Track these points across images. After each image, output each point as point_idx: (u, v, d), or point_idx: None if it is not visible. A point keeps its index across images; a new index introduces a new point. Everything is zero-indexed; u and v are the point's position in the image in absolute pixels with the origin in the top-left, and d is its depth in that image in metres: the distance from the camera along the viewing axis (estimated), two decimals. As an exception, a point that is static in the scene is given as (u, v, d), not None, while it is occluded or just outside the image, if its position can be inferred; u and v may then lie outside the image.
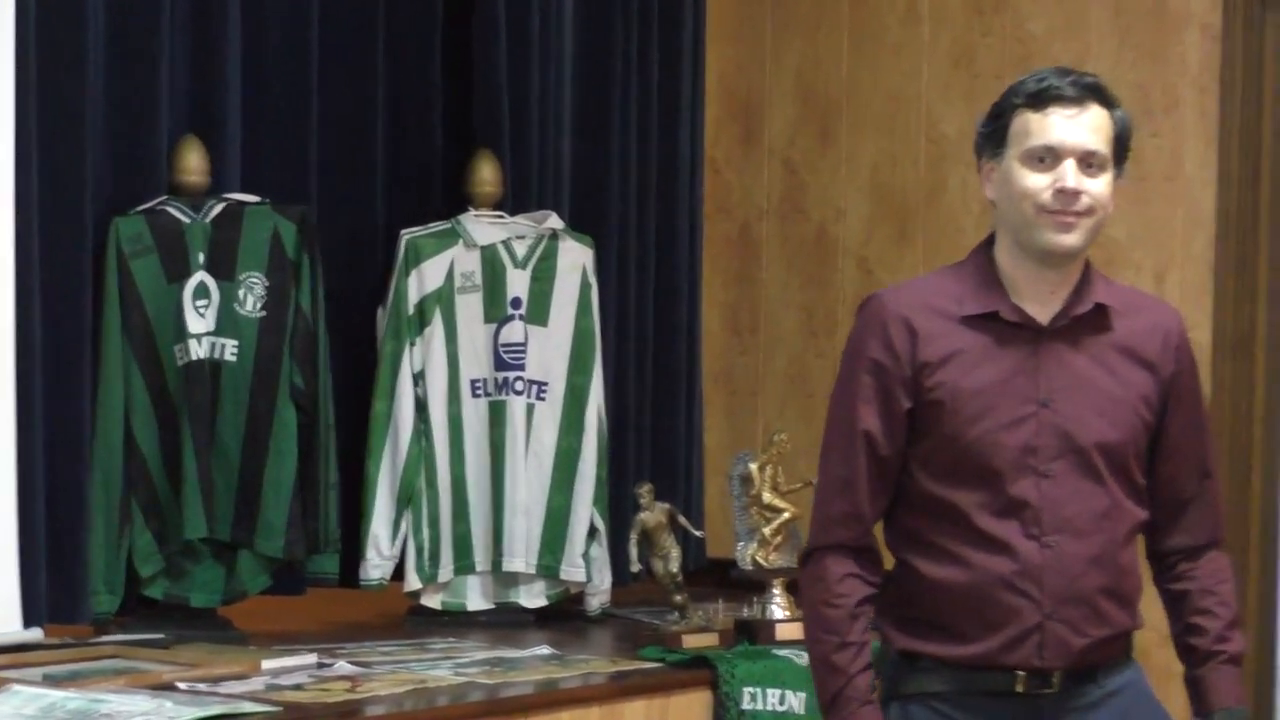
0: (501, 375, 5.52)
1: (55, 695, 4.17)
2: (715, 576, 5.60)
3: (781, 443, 5.35)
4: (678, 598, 5.22)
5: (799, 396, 6.24)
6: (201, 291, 5.02)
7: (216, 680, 4.44)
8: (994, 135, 3.41)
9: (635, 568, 5.32)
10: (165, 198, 5.03)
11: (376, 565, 5.38)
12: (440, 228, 5.50)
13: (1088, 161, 3.34)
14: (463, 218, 5.53)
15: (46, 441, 4.75)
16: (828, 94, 6.24)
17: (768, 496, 5.27)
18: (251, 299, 5.07)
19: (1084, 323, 3.40)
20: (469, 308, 5.49)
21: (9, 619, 4.62)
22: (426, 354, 5.44)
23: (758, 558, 5.25)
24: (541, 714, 4.59)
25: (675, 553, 5.21)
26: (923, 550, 3.38)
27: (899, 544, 3.42)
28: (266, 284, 5.08)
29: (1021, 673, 3.34)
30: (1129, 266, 5.74)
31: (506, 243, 5.53)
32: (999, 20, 5.95)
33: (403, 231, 5.47)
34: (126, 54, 5.04)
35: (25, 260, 4.69)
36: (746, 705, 4.90)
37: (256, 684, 4.45)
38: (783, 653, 5.05)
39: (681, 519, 5.30)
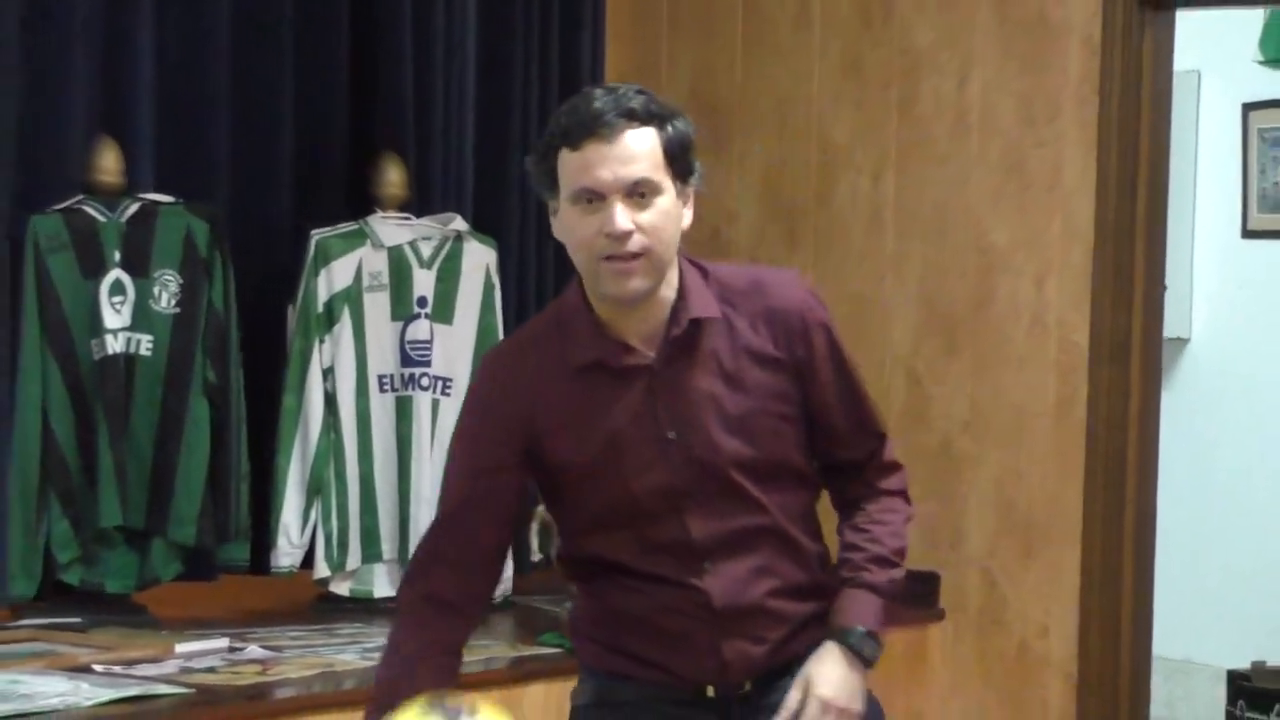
0: (408, 371, 5.54)
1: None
2: (611, 566, 5.64)
3: (676, 438, 5.41)
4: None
5: (691, 393, 6.28)
6: (117, 288, 5.03)
7: (131, 663, 4.45)
8: (545, 177, 3.14)
9: (536, 557, 5.39)
10: (82, 197, 5.03)
11: (287, 553, 5.39)
12: (348, 229, 5.51)
13: (638, 192, 3.08)
14: (370, 219, 5.54)
15: (-37, 434, 4.74)
16: (720, 99, 6.26)
17: (663, 490, 5.33)
18: (166, 296, 5.09)
19: (689, 343, 3.18)
20: (376, 306, 5.51)
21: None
22: (335, 350, 5.46)
23: (653, 548, 5.32)
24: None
25: (574, 543, 5.28)
26: (595, 583, 3.29)
27: (573, 574, 3.33)
28: (180, 281, 5.10)
29: (710, 686, 3.25)
30: (1009, 272, 5.81)
31: (413, 244, 5.55)
32: (886, 31, 5.99)
33: (312, 232, 5.47)
34: (38, 55, 5.03)
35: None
36: (641, 690, 4.98)
37: (170, 667, 4.47)
38: (676, 640, 5.13)
39: (579, 510, 5.36)
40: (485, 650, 4.99)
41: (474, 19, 5.95)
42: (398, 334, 5.55)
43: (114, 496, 5.02)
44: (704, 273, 3.23)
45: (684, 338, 3.17)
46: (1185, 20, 5.88)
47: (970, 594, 5.89)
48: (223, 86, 5.42)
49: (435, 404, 5.57)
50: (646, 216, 3.08)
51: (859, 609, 3.27)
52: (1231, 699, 7.91)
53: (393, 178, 5.62)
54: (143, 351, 5.07)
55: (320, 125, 5.78)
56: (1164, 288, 5.84)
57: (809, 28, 6.14)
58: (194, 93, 5.39)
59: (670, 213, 3.12)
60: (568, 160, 3.09)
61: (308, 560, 5.45)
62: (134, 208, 5.10)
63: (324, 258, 5.47)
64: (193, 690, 4.32)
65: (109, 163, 5.09)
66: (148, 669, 4.43)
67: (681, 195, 3.15)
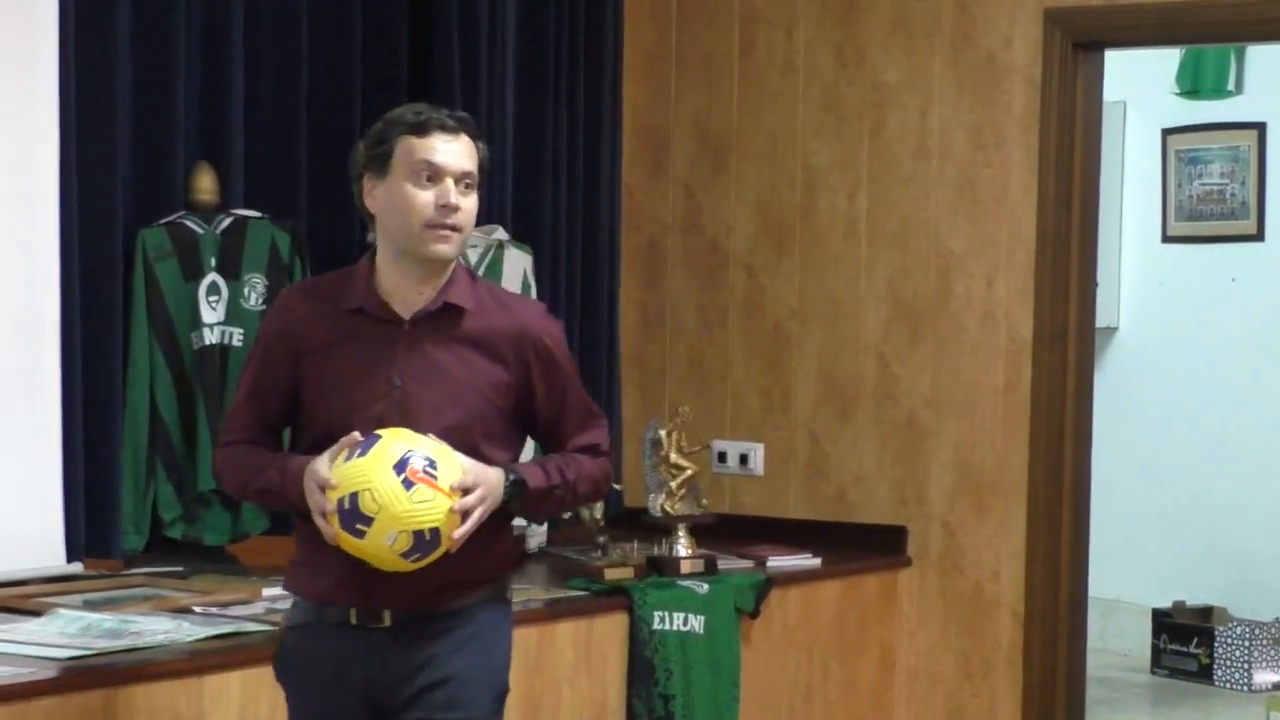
0: (456, 359, 5.53)
1: (93, 617, 4.17)
2: (630, 522, 5.61)
3: (685, 414, 5.37)
4: (600, 539, 5.27)
5: (697, 377, 6.25)
6: (213, 289, 5.00)
7: (225, 605, 4.42)
8: (379, 158, 3.28)
9: (566, 515, 5.35)
10: (183, 213, 5.01)
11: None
12: (405, 239, 5.49)
13: (464, 182, 3.27)
14: (424, 231, 5.52)
15: (86, 411, 4.74)
16: (720, 131, 6.23)
17: (674, 457, 5.29)
18: (254, 295, 5.05)
19: (441, 319, 3.31)
20: (431, 304, 5.49)
21: (55, 554, 4.62)
22: (396, 340, 5.44)
23: (665, 506, 5.28)
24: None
25: (599, 502, 5.23)
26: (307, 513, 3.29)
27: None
28: (266, 283, 5.06)
29: (354, 609, 3.31)
30: (964, 274, 5.78)
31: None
32: (860, 72, 5.96)
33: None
34: (149, 93, 5.01)
35: (68, 263, 4.70)
36: (656, 626, 4.94)
37: (258, 608, 4.43)
38: (685, 583, 5.09)
39: (603, 475, 5.33)
40: (523, 593, 4.91)
41: (511, 61, 5.92)
42: (447, 328, 5.51)
43: (210, 465, 4.96)
44: (473, 278, 3.41)
45: (436, 313, 3.31)
46: (1113, 59, 5.86)
47: (933, 544, 5.85)
48: (300, 117, 5.39)
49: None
50: (466, 203, 3.29)
51: (528, 469, 3.38)
52: (1155, 633, 7.92)
53: (444, 195, 5.57)
54: (234, 343, 5.03)
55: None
56: (1096, 285, 5.82)
57: (794, 72, 6.10)
58: (277, 123, 5.35)
59: (475, 208, 3.32)
60: (413, 145, 3.26)
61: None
62: (227, 221, 5.07)
63: (382, 264, 5.43)
64: (276, 627, 4.21)
65: (206, 183, 5.07)
66: (239, 610, 4.40)
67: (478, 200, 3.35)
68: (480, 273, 5.53)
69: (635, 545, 5.33)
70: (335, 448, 3.21)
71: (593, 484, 3.49)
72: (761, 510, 6.09)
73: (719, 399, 6.21)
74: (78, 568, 4.71)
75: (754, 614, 5.23)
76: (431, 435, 3.23)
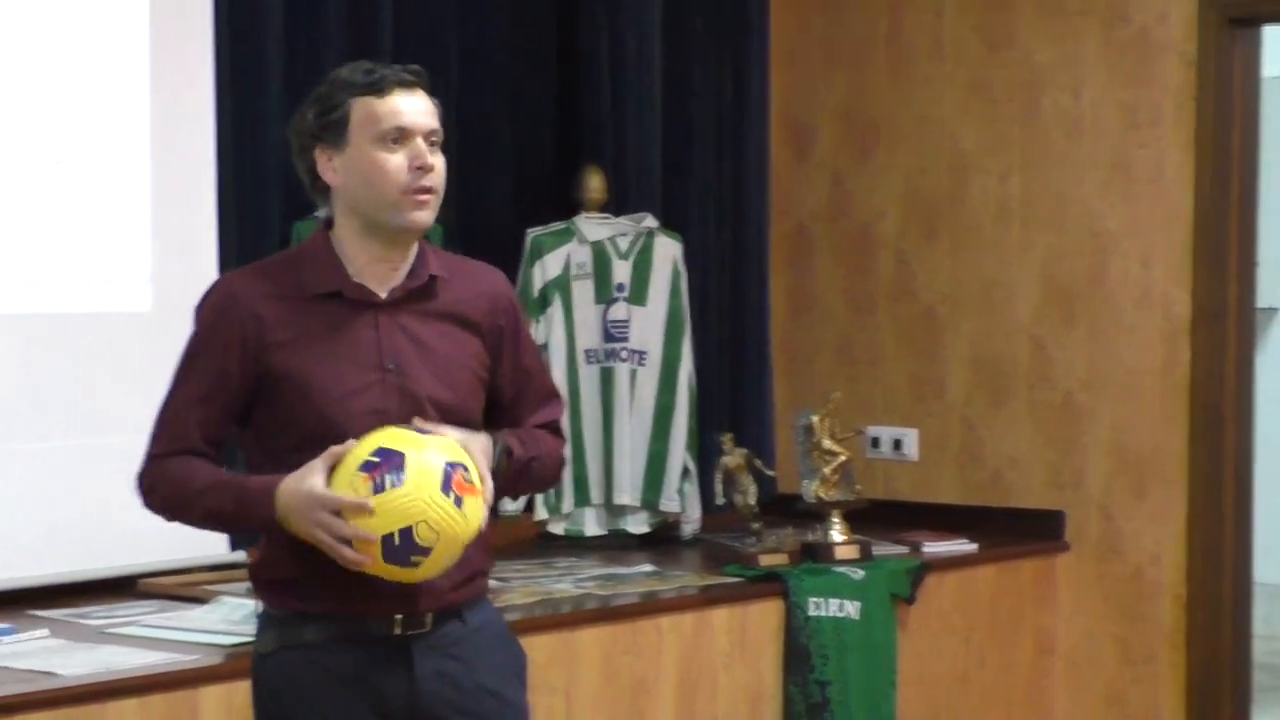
0: (609, 346, 5.52)
1: (256, 604, 4.18)
2: (784, 508, 5.56)
3: (836, 400, 5.35)
4: (754, 525, 5.23)
5: (846, 363, 6.20)
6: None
7: None
8: (333, 126, 2.95)
9: (720, 501, 5.33)
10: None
11: (512, 501, 5.33)
12: (558, 227, 5.50)
13: (432, 140, 2.97)
14: (576, 219, 5.53)
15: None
16: (867, 116, 6.18)
17: (826, 443, 5.27)
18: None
19: (419, 295, 3.00)
20: (583, 292, 5.49)
21: (219, 543, 4.63)
22: (549, 330, 5.43)
23: (819, 492, 5.25)
24: (645, 619, 4.61)
25: (752, 489, 5.22)
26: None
27: None
28: (421, 273, 5.10)
29: (398, 616, 2.95)
30: (1119, 255, 5.69)
31: (612, 239, 5.53)
32: (1010, 54, 5.89)
33: (528, 231, 5.48)
34: (298, 91, 5.03)
35: (226, 249, 4.73)
36: (811, 612, 4.90)
37: None
38: (840, 569, 5.05)
39: (757, 461, 5.30)
40: (678, 580, 4.94)
41: (659, 49, 5.89)
42: (600, 315, 5.53)
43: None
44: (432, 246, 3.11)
45: (419, 288, 3.01)
46: (1271, 34, 5.74)
47: (1090, 528, 5.75)
48: (451, 112, 5.38)
49: (633, 373, 5.56)
50: (438, 162, 2.99)
51: (508, 438, 3.05)
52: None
53: (594, 184, 5.60)
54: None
55: (533, 143, 5.79)
56: (1256, 264, 5.69)
57: (942, 55, 6.03)
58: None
59: (444, 170, 3.01)
60: (372, 106, 2.94)
61: (529, 505, 5.41)
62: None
63: (538, 252, 5.46)
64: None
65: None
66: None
67: None
68: (630, 261, 5.53)
69: (789, 531, 5.29)
70: (322, 461, 2.84)
71: (557, 465, 3.18)
72: (915, 495, 6.03)
73: (869, 385, 6.15)
74: (241, 556, 4.72)
75: (910, 600, 5.17)
76: (446, 428, 2.92)
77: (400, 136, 2.94)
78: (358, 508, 2.79)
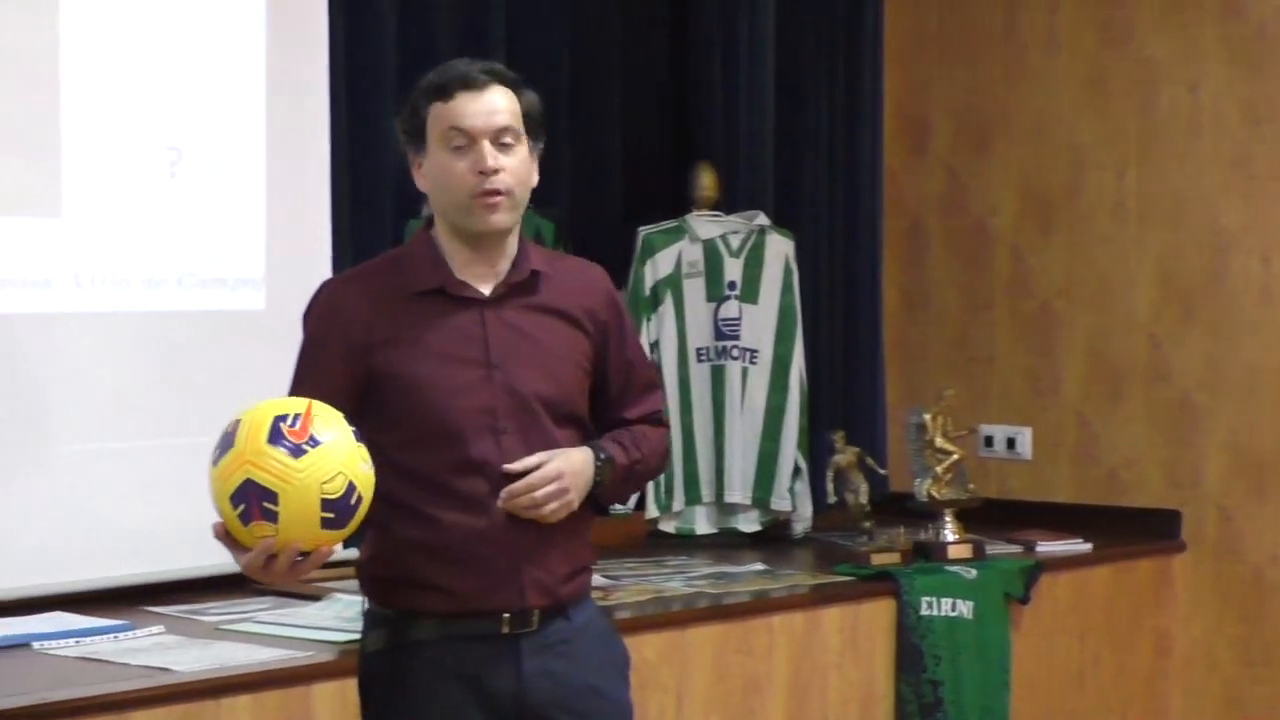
0: (720, 344, 5.51)
1: (364, 602, 4.20)
2: (896, 507, 5.52)
3: (949, 398, 5.31)
4: (866, 524, 5.19)
5: (961, 360, 6.16)
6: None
7: None
8: (414, 132, 2.99)
9: (831, 499, 5.30)
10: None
11: (621, 504, 5.33)
12: (670, 225, 5.49)
13: (502, 140, 2.94)
14: (688, 217, 5.52)
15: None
16: (982, 111, 6.14)
17: (939, 441, 5.24)
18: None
19: (522, 289, 3.01)
20: (694, 289, 5.48)
21: (332, 541, 4.68)
22: (660, 327, 5.43)
23: (932, 491, 5.22)
24: (756, 618, 4.59)
25: (864, 487, 5.18)
26: (394, 513, 2.95)
27: (371, 507, 2.86)
28: (538, 270, 5.12)
29: (506, 614, 2.95)
30: (1239, 252, 5.61)
31: (724, 237, 5.52)
32: (1126, 48, 5.82)
33: (640, 229, 5.47)
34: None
35: (340, 249, 4.77)
36: (924, 612, 4.86)
37: None
38: (953, 568, 5.01)
39: (868, 460, 5.27)
40: (789, 579, 4.91)
41: (771, 47, 5.88)
42: (712, 313, 5.52)
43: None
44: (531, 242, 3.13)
45: (521, 283, 3.02)
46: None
47: (1208, 528, 5.67)
48: (562, 112, 5.41)
49: (744, 371, 5.54)
50: (509, 161, 2.96)
51: (610, 446, 3.06)
52: None
53: (706, 181, 5.59)
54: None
55: (645, 141, 5.80)
56: (1380, 262, 5.60)
57: (1058, 50, 5.98)
58: (549, 120, 5.37)
59: (526, 163, 3.00)
60: (440, 111, 2.95)
61: (639, 503, 5.40)
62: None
63: (649, 250, 5.46)
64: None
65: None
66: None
67: (533, 153, 3.04)
68: (741, 258, 5.52)
69: (901, 530, 5.25)
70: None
71: (660, 459, 3.20)
72: (1029, 494, 5.97)
73: (984, 382, 6.11)
74: (354, 554, 4.71)
75: (1024, 600, 5.12)
76: (544, 456, 2.96)
77: (464, 140, 2.94)
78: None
